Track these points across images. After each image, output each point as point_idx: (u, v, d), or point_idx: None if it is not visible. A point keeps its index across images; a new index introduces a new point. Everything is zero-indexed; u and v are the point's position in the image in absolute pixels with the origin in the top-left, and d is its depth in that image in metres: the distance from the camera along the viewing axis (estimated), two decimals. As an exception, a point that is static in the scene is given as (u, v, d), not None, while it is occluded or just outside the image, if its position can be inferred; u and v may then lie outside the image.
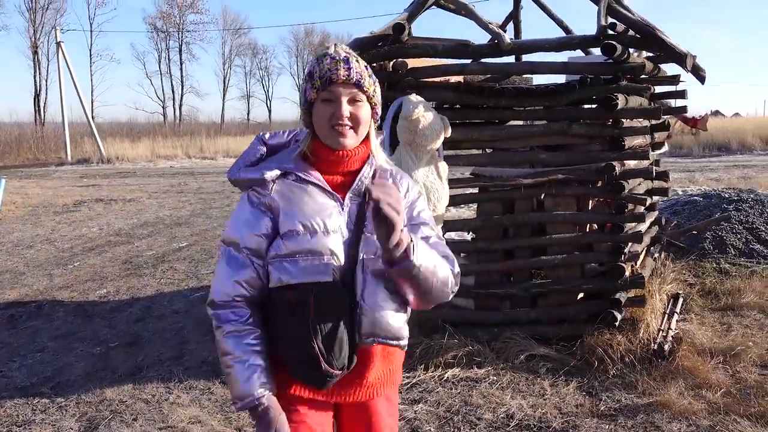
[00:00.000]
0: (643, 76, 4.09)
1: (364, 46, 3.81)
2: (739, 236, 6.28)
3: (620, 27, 3.72)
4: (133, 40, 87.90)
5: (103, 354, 4.43)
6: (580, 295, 4.16)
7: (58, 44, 24.71)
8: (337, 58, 1.58)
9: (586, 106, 3.94)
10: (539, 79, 5.26)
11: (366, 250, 1.60)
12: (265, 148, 1.71)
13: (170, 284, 6.25)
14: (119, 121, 38.31)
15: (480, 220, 4.08)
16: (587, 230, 4.14)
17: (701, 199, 7.15)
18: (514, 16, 5.29)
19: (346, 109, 1.58)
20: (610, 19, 3.77)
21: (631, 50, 3.91)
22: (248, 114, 54.27)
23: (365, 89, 1.60)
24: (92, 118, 28.24)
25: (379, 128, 1.81)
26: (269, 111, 58.32)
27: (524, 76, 5.54)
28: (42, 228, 9.64)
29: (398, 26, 3.70)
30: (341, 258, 1.60)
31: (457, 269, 1.65)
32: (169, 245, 8.11)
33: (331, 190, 1.63)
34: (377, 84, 1.65)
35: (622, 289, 4.02)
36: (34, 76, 40.34)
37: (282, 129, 1.78)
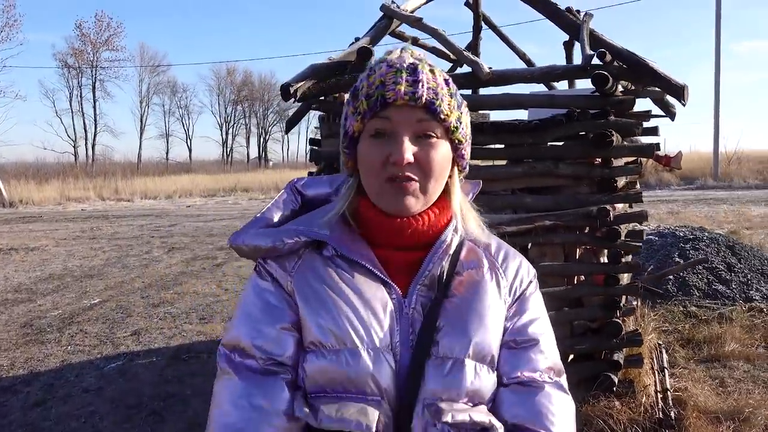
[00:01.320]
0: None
1: (321, 74, 3.23)
2: (700, 276, 6.07)
3: (608, 57, 3.33)
4: (42, 77, 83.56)
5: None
6: (570, 357, 3.66)
7: (-47, 78, 22.68)
8: (399, 66, 0.98)
9: (571, 144, 3.51)
10: (498, 115, 4.87)
11: (431, 386, 0.96)
12: (299, 200, 1.14)
13: (79, 352, 5.28)
14: (25, 162, 35.74)
15: (457, 274, 3.53)
16: (576, 282, 3.67)
17: (656, 238, 6.96)
18: (473, 47, 4.89)
19: (410, 149, 0.97)
20: (600, 50, 3.39)
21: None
22: (167, 153, 52.35)
23: (442, 117, 0.98)
24: (-7, 158, 25.96)
25: (472, 178, 1.20)
26: (189, 150, 56.52)
27: (480, 112, 5.14)
28: (-77, 285, 8.27)
29: (364, 51, 3.16)
30: (391, 395, 0.96)
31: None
32: (79, 302, 7.06)
33: (386, 278, 1.02)
34: (464, 108, 1.04)
35: (619, 349, 3.56)
36: (-73, 113, 37.05)
37: (319, 173, 1.17)
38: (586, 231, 3.60)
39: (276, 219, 1.09)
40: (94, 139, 44.90)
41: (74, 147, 44.64)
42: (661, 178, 22.41)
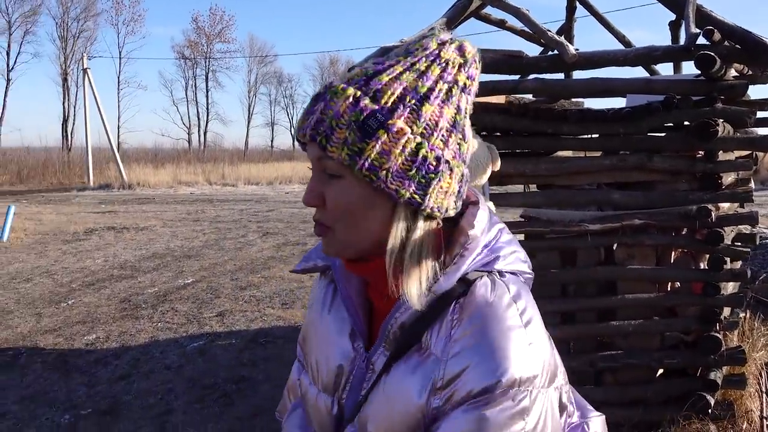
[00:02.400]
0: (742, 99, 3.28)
1: (392, 58, 3.07)
2: (827, 289, 5.34)
3: (717, 36, 2.93)
4: (161, 68, 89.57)
5: (71, 425, 3.68)
6: (660, 371, 3.30)
7: (84, 71, 24.73)
8: (316, 91, 0.85)
9: (670, 134, 3.13)
10: (597, 104, 4.47)
11: None
12: None
13: (167, 329, 5.51)
14: (145, 147, 38.41)
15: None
16: (669, 290, 3.29)
17: (775, 243, 6.23)
18: (566, 30, 4.54)
19: (314, 191, 0.85)
20: (707, 27, 2.99)
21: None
22: (272, 141, 54.33)
23: (330, 152, 0.79)
24: (118, 143, 28.20)
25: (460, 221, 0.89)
26: (293, 139, 58.39)
27: (573, 100, 4.77)
28: (45, 259, 9.04)
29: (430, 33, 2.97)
30: None
31: None
32: (174, 281, 7.40)
33: (357, 325, 0.95)
34: (391, 131, 0.79)
35: (717, 367, 3.15)
36: (63, 103, 40.84)
37: None
38: (684, 233, 3.22)
39: None
40: (206, 127, 47.52)
41: (188, 134, 47.49)
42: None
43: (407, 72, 0.82)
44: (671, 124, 3.11)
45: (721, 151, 3.19)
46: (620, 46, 4.49)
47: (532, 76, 3.21)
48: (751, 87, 3.99)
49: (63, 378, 4.42)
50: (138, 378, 4.40)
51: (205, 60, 46.09)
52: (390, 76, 0.81)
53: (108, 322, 5.77)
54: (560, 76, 3.92)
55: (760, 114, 4.28)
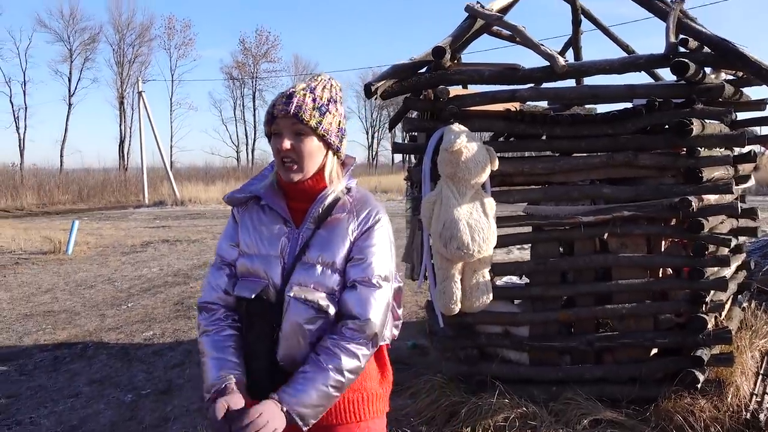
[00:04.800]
0: (721, 100, 3.57)
1: (402, 74, 3.52)
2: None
3: (693, 44, 3.25)
4: (211, 89, 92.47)
5: (134, 402, 4.22)
6: (654, 350, 3.60)
7: (139, 94, 26.16)
8: (285, 92, 1.67)
9: (655, 134, 3.45)
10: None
11: (295, 277, 1.66)
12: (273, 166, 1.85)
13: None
14: (196, 166, 39.98)
15: (534, 263, 3.63)
16: (660, 275, 3.60)
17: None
18: (573, 42, 4.89)
19: (287, 142, 1.64)
20: (681, 36, 3.32)
21: (707, 71, 3.43)
22: (318, 157, 55.20)
23: (304, 121, 1.62)
24: (170, 162, 29.57)
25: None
26: (338, 154, 59.22)
27: (587, 106, 5.09)
28: (106, 268, 9.82)
29: (438, 50, 3.39)
30: (277, 281, 1.67)
31: (368, 349, 1.66)
32: (223, 286, 7.98)
33: (287, 217, 1.72)
34: (329, 114, 1.67)
35: (705, 345, 3.43)
36: (120, 125, 43.05)
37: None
38: (673, 223, 3.52)
39: (254, 181, 1.84)
40: (253, 145, 49.10)
41: (237, 152, 49.19)
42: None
43: (324, 89, 1.71)
44: (654, 125, 3.42)
45: (705, 150, 3.49)
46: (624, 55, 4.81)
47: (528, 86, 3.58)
48: (752, 88, 4.28)
49: (125, 366, 5.00)
50: (190, 365, 4.93)
51: (252, 80, 47.73)
52: (319, 89, 1.70)
53: (163, 321, 6.37)
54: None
55: (759, 114, 4.54)
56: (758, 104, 4.25)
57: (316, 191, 1.70)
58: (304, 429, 1.57)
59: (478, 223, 3.28)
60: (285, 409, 1.54)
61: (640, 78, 4.73)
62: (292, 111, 1.62)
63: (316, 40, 76.89)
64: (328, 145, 1.69)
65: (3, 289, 8.29)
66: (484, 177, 3.34)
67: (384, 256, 1.70)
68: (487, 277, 3.42)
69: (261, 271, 1.69)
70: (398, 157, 63.45)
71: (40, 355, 5.35)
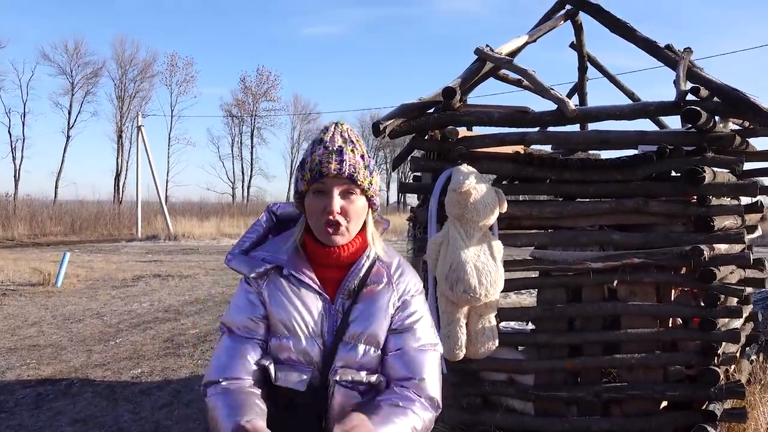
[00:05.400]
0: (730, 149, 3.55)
1: (410, 113, 3.49)
2: None
3: (704, 92, 3.25)
4: (210, 125, 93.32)
5: (118, 444, 4.03)
6: (664, 403, 3.47)
7: (138, 128, 26.28)
8: (331, 148, 1.49)
9: (664, 181, 3.42)
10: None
11: (339, 358, 1.52)
12: (273, 219, 1.70)
13: (207, 365, 5.86)
14: (191, 201, 39.88)
15: (541, 309, 3.53)
16: (670, 325, 3.50)
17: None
18: (579, 88, 4.91)
19: (338, 203, 1.48)
20: (691, 84, 3.32)
21: (716, 119, 3.42)
22: (313, 195, 55.35)
23: (359, 182, 1.50)
24: (166, 197, 29.51)
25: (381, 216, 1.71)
26: (334, 193, 59.49)
27: (591, 152, 5.09)
28: (96, 302, 9.61)
29: (448, 91, 3.38)
30: (319, 364, 1.53)
31: (431, 412, 1.53)
32: (214, 324, 7.81)
33: (320, 290, 1.55)
34: (374, 173, 1.56)
35: (717, 399, 3.32)
36: (117, 158, 43.05)
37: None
38: (683, 271, 3.45)
39: (255, 238, 1.65)
40: (249, 181, 49.05)
41: (232, 188, 49.18)
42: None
43: (358, 143, 1.56)
44: (665, 172, 3.39)
45: (715, 198, 3.45)
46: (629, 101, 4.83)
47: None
48: (757, 139, 4.27)
49: (111, 405, 4.80)
50: (179, 406, 4.74)
51: (251, 118, 48.13)
52: (356, 143, 1.55)
53: (152, 359, 6.17)
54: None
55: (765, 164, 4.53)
56: (764, 155, 4.24)
57: (349, 257, 1.55)
58: None
59: (486, 266, 3.20)
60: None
61: (644, 126, 4.73)
62: (347, 172, 1.48)
63: (315, 81, 78.07)
64: (371, 205, 1.57)
65: (-12, 320, 8.08)
66: (493, 219, 3.28)
67: (429, 323, 1.61)
68: (494, 322, 3.32)
69: (308, 354, 1.52)
70: (393, 197, 64.04)
71: (22, 392, 5.14)
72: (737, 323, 3.77)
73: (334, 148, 1.49)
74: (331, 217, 1.47)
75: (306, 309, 1.53)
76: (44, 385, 5.33)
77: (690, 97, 3.29)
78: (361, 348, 1.52)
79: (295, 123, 52.60)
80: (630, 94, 4.79)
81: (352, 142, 1.53)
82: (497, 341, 3.33)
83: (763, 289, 6.43)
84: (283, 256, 1.56)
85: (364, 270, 1.55)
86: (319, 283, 1.55)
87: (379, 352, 1.55)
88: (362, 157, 1.52)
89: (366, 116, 59.62)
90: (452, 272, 3.18)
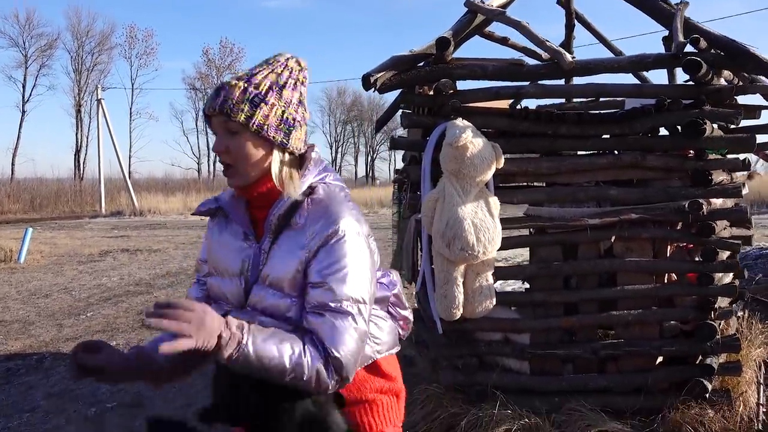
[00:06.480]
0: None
1: (401, 65, 3.34)
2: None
3: (703, 43, 3.17)
4: (172, 99, 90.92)
5: (98, 417, 3.86)
6: (659, 359, 3.46)
7: (98, 101, 25.35)
8: (216, 85, 1.44)
9: (663, 134, 3.35)
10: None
11: (251, 300, 1.46)
12: None
13: (185, 338, 5.69)
14: (155, 177, 38.96)
15: (536, 267, 3.46)
16: (666, 281, 3.47)
17: (773, 252, 6.39)
18: (565, 47, 4.80)
19: (221, 143, 1.41)
20: (692, 36, 3.24)
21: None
22: (281, 171, 54.78)
23: (233, 118, 1.37)
24: (129, 173, 28.72)
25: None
26: (301, 168, 58.93)
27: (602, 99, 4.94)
28: (62, 277, 9.28)
29: (442, 41, 3.23)
30: (242, 304, 1.48)
31: (325, 368, 1.33)
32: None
33: (247, 229, 1.51)
34: (268, 103, 1.40)
35: (714, 354, 3.32)
36: (76, 134, 41.70)
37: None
38: (678, 227, 3.41)
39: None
40: (215, 157, 48.15)
41: (198, 163, 48.22)
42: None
43: (271, 73, 1.43)
44: (662, 125, 3.33)
45: (710, 152, 3.40)
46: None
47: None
48: (744, 97, 4.24)
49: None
50: (159, 378, 4.57)
51: (215, 91, 46.93)
52: (262, 75, 1.42)
53: (127, 331, 5.97)
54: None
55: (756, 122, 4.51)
56: (752, 111, 4.22)
57: (275, 196, 1.44)
58: (223, 357, 1.24)
59: (483, 222, 3.10)
60: (230, 328, 1.24)
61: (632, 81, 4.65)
62: (217, 107, 1.38)
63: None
64: (269, 142, 1.41)
65: (-52, 297, 7.72)
66: (490, 174, 3.17)
67: (354, 276, 1.38)
68: (491, 280, 3.24)
69: (231, 293, 1.49)
70: (361, 171, 63.63)
71: (-10, 367, 4.91)
72: (730, 278, 3.77)
73: (218, 85, 1.43)
74: (219, 159, 1.44)
75: (231, 248, 1.51)
76: (14, 360, 5.10)
77: (689, 48, 3.22)
78: (269, 292, 1.43)
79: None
80: (618, 53, 4.70)
81: (251, 77, 1.41)
82: (495, 300, 3.25)
83: (753, 248, 6.54)
84: (225, 196, 1.56)
85: (285, 208, 1.43)
86: (248, 221, 1.51)
87: (292, 301, 1.41)
88: (245, 90, 1.38)
89: (333, 88, 58.95)
90: (449, 229, 3.07)
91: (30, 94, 39.77)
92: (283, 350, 1.28)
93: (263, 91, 1.39)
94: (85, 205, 27.81)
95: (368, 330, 1.43)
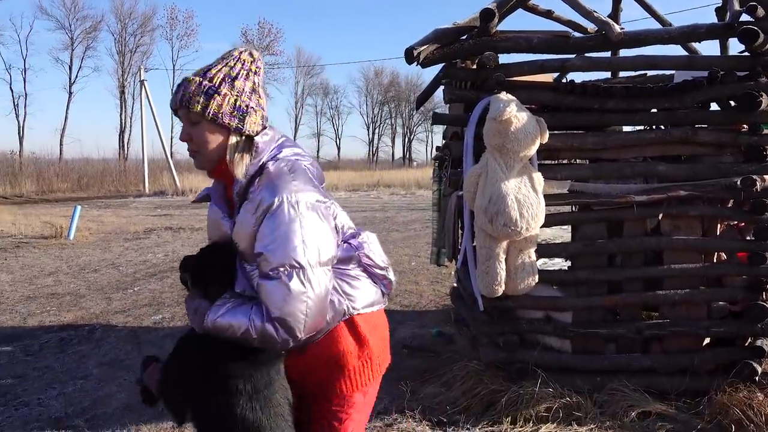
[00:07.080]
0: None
1: (444, 39, 3.29)
2: None
3: (760, 11, 3.04)
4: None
5: (147, 385, 3.99)
6: (706, 340, 3.38)
7: (141, 83, 25.86)
8: (178, 82, 1.66)
9: (715, 109, 3.24)
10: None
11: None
12: None
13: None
14: (197, 157, 39.50)
15: (580, 245, 3.41)
16: (715, 260, 3.38)
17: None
18: (613, 18, 4.66)
19: (185, 133, 1.63)
20: (750, 4, 3.10)
21: None
22: (318, 151, 55.30)
23: (191, 109, 1.57)
24: (171, 153, 29.30)
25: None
26: (338, 149, 59.32)
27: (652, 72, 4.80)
28: (110, 253, 9.58)
29: (487, 13, 3.17)
30: None
31: (273, 321, 1.50)
32: (231, 273, 7.76)
33: (223, 208, 1.70)
34: (221, 94, 1.58)
35: (764, 335, 3.22)
36: (120, 115, 42.72)
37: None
38: (729, 204, 3.31)
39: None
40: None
41: (238, 145, 48.66)
42: None
43: (224, 67, 1.62)
44: (715, 99, 3.21)
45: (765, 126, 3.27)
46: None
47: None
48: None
49: (135, 348, 4.77)
50: (203, 350, 4.70)
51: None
52: (216, 69, 1.62)
53: (172, 305, 6.14)
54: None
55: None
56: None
57: (230, 176, 1.65)
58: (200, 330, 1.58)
59: (527, 198, 3.07)
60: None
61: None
62: (178, 101, 1.59)
63: (318, 33, 76.54)
64: (225, 128, 1.60)
65: (4, 271, 8.05)
66: (533, 150, 3.13)
67: (291, 241, 1.50)
68: (533, 257, 3.21)
69: None
70: (398, 152, 63.42)
71: (45, 337, 5.12)
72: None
73: (180, 81, 1.63)
74: (188, 148, 1.64)
75: (213, 224, 1.75)
76: (67, 330, 5.30)
77: (744, 18, 3.09)
78: (240, 262, 1.64)
79: (298, 77, 51.92)
80: (668, 25, 4.53)
81: (206, 72, 1.61)
82: (537, 277, 3.22)
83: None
84: (214, 183, 1.77)
85: (240, 186, 1.62)
86: (224, 202, 1.72)
87: (252, 269, 1.61)
88: (200, 83, 1.58)
89: (370, 69, 58.72)
90: (492, 205, 3.05)
91: (76, 76, 40.89)
92: (232, 321, 1.51)
93: (216, 83, 1.59)
94: (129, 184, 28.50)
95: (321, 290, 1.53)
